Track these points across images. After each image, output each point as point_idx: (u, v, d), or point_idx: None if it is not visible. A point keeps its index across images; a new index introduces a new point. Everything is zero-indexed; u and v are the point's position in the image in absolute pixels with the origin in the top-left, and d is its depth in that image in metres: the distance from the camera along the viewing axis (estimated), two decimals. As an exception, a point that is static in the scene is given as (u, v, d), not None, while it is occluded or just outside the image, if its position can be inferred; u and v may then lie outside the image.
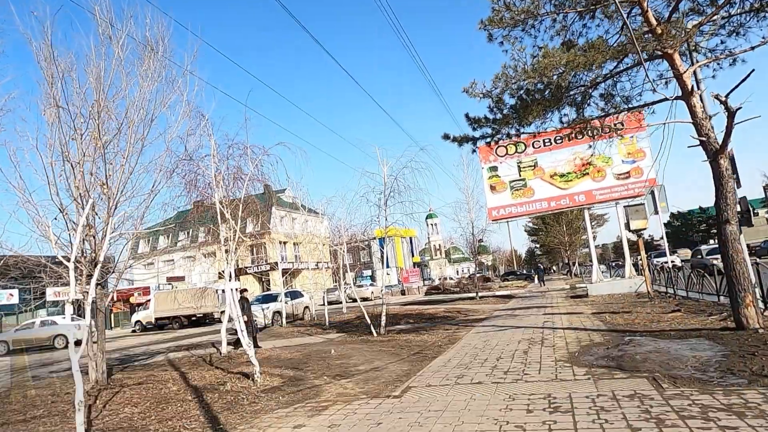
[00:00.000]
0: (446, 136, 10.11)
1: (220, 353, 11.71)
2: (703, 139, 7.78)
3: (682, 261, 29.40)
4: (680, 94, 8.29)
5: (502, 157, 21.71)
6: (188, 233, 60.89)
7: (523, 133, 9.78)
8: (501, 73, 8.12)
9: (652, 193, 14.90)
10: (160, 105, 8.59)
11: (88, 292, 8.91)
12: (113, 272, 9.35)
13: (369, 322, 12.97)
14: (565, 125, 9.54)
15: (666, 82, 9.70)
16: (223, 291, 38.60)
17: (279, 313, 21.71)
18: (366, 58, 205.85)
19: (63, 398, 7.54)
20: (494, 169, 21.87)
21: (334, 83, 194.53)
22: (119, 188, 8.39)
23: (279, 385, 7.38)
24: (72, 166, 7.30)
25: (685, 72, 7.86)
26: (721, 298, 12.20)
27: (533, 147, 21.26)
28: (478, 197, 24.99)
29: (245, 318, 11.93)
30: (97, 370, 8.42)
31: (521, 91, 8.59)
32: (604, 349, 7.56)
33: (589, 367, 6.42)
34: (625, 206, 14.09)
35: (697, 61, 8.35)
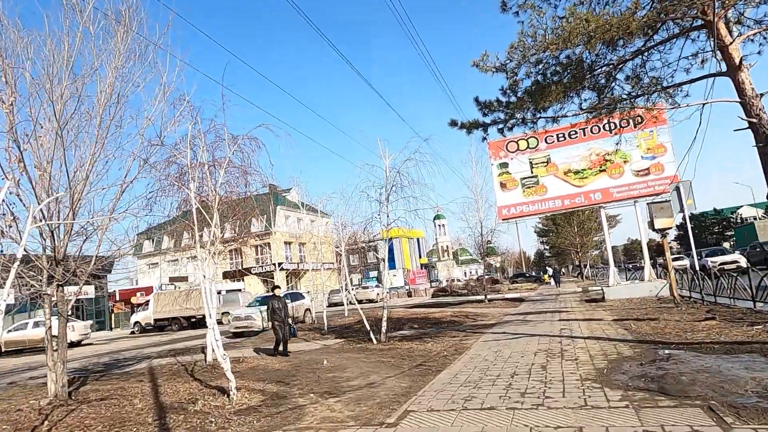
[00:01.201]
0: (453, 123, 9.06)
1: (205, 361, 10.72)
2: (754, 120, 6.66)
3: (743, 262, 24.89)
4: (724, 70, 7.18)
5: (512, 153, 20.57)
6: (191, 234, 60.44)
7: (541, 117, 8.70)
8: (517, 41, 7.05)
9: (677, 189, 13.71)
10: (130, 84, 7.62)
11: (49, 294, 8.01)
12: (86, 273, 8.38)
13: (368, 328, 11.92)
14: (586, 111, 8.44)
15: (702, 61, 8.57)
16: (221, 292, 37.77)
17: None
18: (369, 54, 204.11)
19: (10, 416, 6.56)
20: (504, 165, 20.74)
21: (334, 78, 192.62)
22: (84, 178, 7.44)
23: (257, 405, 6.36)
24: (20, 150, 6.34)
25: (731, 43, 6.75)
26: (758, 304, 11.05)
27: (546, 142, 20.11)
28: (488, 195, 23.91)
29: (277, 322, 10.99)
30: (56, 382, 7.45)
31: (540, 66, 7.50)
32: (637, 365, 6.45)
33: (625, 390, 5.33)
34: (649, 203, 12.95)
35: (742, 33, 7.22)
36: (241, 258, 58.30)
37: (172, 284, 48.89)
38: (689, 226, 14.89)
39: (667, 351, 7.14)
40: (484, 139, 9.07)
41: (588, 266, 55.61)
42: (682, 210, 13.58)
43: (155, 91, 8.14)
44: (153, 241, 67.10)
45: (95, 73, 7.70)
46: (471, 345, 10.09)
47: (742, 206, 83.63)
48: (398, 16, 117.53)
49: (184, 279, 55.07)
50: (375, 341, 11.31)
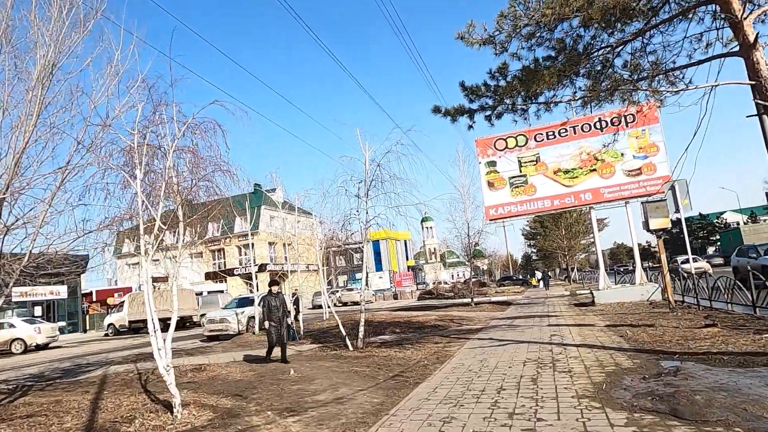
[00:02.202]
0: (437, 109, 8.25)
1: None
2: (769, 104, 5.94)
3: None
4: (733, 49, 6.47)
5: (501, 151, 19.86)
6: (174, 232, 58.92)
7: (533, 104, 7.93)
8: (508, 9, 6.27)
9: (673, 188, 13.07)
10: (69, 56, 6.68)
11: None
12: (15, 272, 7.38)
13: (344, 333, 11.04)
14: (583, 95, 7.67)
15: (707, 45, 7.87)
16: (201, 294, 36.40)
17: (255, 318, 19.78)
18: (352, 42, 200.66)
19: None
20: (492, 164, 20.01)
21: (314, 67, 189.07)
22: (12, 162, 6.48)
23: (203, 425, 5.46)
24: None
25: (746, 18, 6.03)
26: (758, 310, 10.42)
27: (535, 140, 19.43)
28: (475, 195, 23.12)
29: (273, 323, 9.58)
30: (-22, 396, 6.49)
31: (533, 40, 6.73)
32: (640, 379, 5.68)
33: (630, 411, 4.54)
34: (643, 202, 12.27)
35: (759, 6, 6.51)
36: (224, 258, 57.05)
37: (153, 285, 47.43)
38: (685, 229, 14.26)
39: (671, 363, 6.39)
40: (470, 127, 8.29)
41: (576, 269, 55.24)
42: (677, 210, 12.94)
43: (105, 69, 7.21)
44: (132, 239, 65.58)
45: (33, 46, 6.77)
46: (454, 353, 9.27)
47: (725, 212, 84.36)
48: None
49: (164, 279, 53.68)
50: (351, 347, 10.44)
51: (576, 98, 7.73)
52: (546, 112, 8.07)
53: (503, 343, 9.83)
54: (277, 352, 9.91)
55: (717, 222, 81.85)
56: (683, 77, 7.94)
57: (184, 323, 29.52)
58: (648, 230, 12.09)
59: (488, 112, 7.93)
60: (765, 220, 62.77)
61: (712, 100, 6.96)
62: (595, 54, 7.83)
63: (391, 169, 10.87)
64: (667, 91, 6.71)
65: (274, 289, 10.12)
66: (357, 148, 11.16)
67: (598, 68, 8.24)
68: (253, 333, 17.80)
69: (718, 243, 69.24)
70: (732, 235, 54.68)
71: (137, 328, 29.84)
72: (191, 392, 7.32)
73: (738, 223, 70.96)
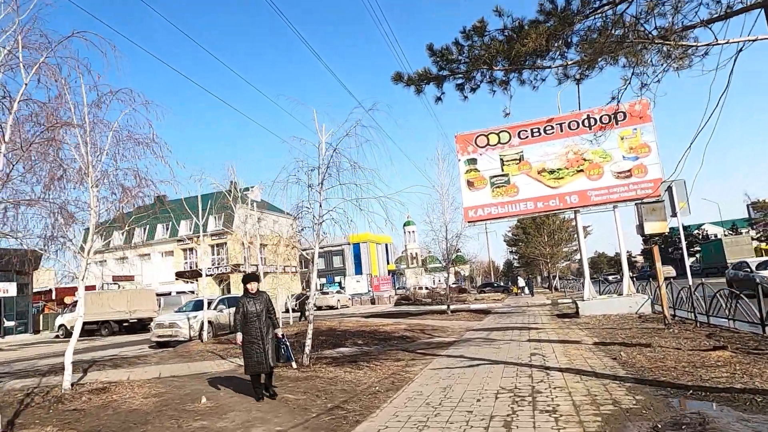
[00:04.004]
0: (398, 77, 6.67)
1: (62, 388, 7.95)
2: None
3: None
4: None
5: (482, 147, 18.38)
6: (144, 229, 56.34)
7: (512, 71, 6.40)
8: None
9: (670, 189, 11.71)
10: None
11: None
12: None
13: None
14: (585, 47, 6.16)
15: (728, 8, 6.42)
16: (170, 294, 34.07)
17: (211, 323, 17.93)
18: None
19: None
20: (473, 161, 18.52)
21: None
22: None
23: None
24: None
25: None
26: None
27: (519, 137, 18.00)
28: (455, 196, 21.57)
29: (251, 336, 6.57)
30: None
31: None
32: (649, 429, 4.13)
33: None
34: (638, 204, 10.88)
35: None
36: (196, 258, 54.74)
37: (115, 284, 45.03)
38: (683, 235, 12.87)
39: (688, 403, 4.87)
40: (439, 99, 6.71)
41: (557, 277, 54.24)
42: (674, 215, 11.57)
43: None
44: (102, 236, 62.66)
45: None
46: (415, 375, 7.65)
47: (704, 223, 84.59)
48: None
49: (130, 278, 51.06)
50: (295, 365, 8.73)
51: (570, 63, 6.22)
52: (533, 83, 6.55)
53: (474, 363, 8.25)
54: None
55: (697, 233, 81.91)
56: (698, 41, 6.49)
57: (143, 326, 27.46)
58: (642, 235, 10.68)
59: (460, 80, 6.39)
60: (745, 232, 62.68)
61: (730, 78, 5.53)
62: (593, 13, 6.36)
63: (351, 156, 9.26)
64: (691, 47, 5.23)
65: (252, 287, 6.84)
66: (308, 128, 9.52)
67: (599, 24, 6.73)
68: (202, 339, 15.96)
69: (699, 254, 69.03)
70: (713, 246, 54.30)
71: (92, 329, 27.61)
72: (65, 428, 5.58)
73: (715, 235, 71.05)
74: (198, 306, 19.40)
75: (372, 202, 9.37)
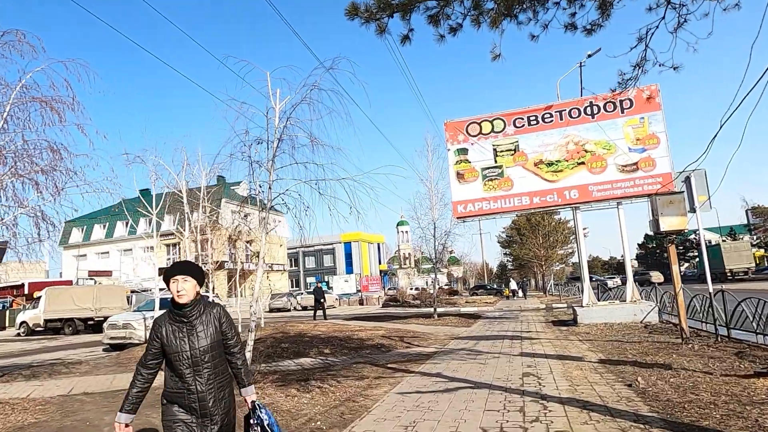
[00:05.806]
0: (354, 9, 4.96)
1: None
2: None
3: None
4: None
5: (474, 136, 16.71)
6: (126, 224, 54.25)
7: (501, 2, 4.71)
8: None
9: (688, 180, 10.09)
10: None
11: None
12: None
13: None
14: None
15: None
16: (145, 291, 32.09)
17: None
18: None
19: None
20: (463, 151, 16.84)
21: None
22: None
23: None
24: None
25: None
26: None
27: (515, 125, 16.33)
28: (444, 191, 19.90)
29: (173, 388, 2.90)
30: None
31: None
32: None
33: None
34: (652, 196, 9.24)
35: None
36: (179, 254, 52.77)
37: (91, 279, 43.00)
38: (703, 238, 11.46)
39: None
40: (406, 38, 5.02)
41: (552, 281, 52.66)
42: (693, 210, 9.94)
43: None
44: (82, 230, 60.56)
45: None
46: (374, 404, 5.93)
47: (697, 229, 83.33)
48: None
49: (108, 273, 49.02)
50: (230, 384, 7.02)
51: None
52: (531, 20, 4.86)
53: (453, 387, 6.55)
54: None
55: (693, 238, 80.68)
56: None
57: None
58: (657, 231, 9.01)
59: (435, 9, 4.71)
60: (743, 238, 61.38)
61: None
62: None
63: (311, 131, 7.56)
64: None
65: (182, 293, 2.83)
66: (261, 94, 7.76)
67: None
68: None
69: (696, 260, 67.76)
70: (711, 252, 53.01)
71: (55, 328, 25.73)
72: None
73: (711, 241, 69.83)
74: (160, 305, 17.61)
75: (334, 185, 7.66)
